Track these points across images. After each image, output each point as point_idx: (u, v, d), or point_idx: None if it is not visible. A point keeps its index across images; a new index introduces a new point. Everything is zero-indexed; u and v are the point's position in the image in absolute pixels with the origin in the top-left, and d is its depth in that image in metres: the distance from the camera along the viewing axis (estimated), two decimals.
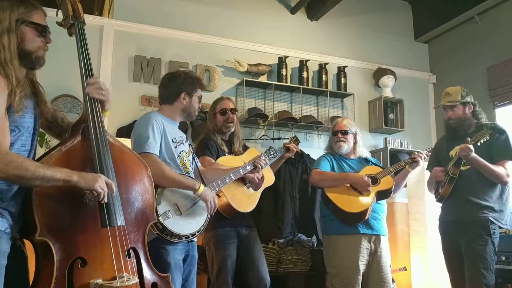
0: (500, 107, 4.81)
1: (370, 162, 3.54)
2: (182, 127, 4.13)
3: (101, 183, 1.70)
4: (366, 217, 3.22)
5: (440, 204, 3.35)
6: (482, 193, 3.12)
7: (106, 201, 1.73)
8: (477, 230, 3.06)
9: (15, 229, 1.70)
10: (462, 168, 3.14)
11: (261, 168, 3.03)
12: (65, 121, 2.03)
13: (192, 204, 2.52)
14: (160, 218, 2.35)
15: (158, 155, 2.50)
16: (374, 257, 3.27)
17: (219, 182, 2.77)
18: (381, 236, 3.31)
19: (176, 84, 2.71)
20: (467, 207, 3.12)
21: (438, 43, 5.67)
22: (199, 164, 2.86)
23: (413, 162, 3.47)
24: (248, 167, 2.97)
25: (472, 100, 3.29)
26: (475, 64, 5.05)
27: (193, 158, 2.79)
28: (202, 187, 2.51)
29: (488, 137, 3.05)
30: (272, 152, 3.27)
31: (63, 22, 1.99)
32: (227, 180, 2.83)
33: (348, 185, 3.29)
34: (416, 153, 3.54)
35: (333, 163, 3.45)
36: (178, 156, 2.61)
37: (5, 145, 1.60)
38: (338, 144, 3.48)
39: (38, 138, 3.48)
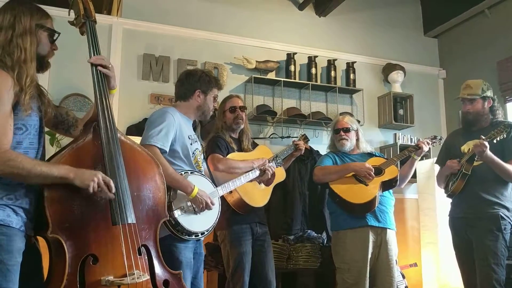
0: (511, 101, 4.76)
1: (374, 156, 3.55)
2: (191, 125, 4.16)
3: (97, 181, 1.70)
4: (374, 208, 3.22)
5: (450, 200, 3.34)
6: (493, 189, 3.11)
7: (104, 197, 1.74)
8: (487, 225, 3.04)
9: (29, 226, 1.73)
10: (474, 163, 3.12)
11: (270, 173, 3.04)
12: (70, 114, 2.07)
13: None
14: (175, 213, 2.34)
15: (165, 149, 2.45)
16: (381, 250, 3.27)
17: (230, 183, 2.78)
18: (387, 229, 3.31)
19: (192, 81, 2.70)
20: (478, 203, 3.11)
21: (448, 37, 5.63)
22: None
23: (418, 149, 3.44)
24: (257, 172, 2.99)
25: (492, 95, 3.27)
26: (485, 58, 5.01)
27: (204, 157, 2.80)
28: (195, 190, 2.41)
29: (505, 135, 3.03)
30: (278, 160, 3.26)
31: (75, 21, 2.04)
32: (237, 183, 2.85)
33: (352, 177, 3.29)
34: (419, 140, 3.53)
35: (336, 160, 3.45)
36: (193, 153, 2.61)
37: (4, 143, 1.64)
38: (341, 142, 3.48)
39: (49, 138, 3.56)
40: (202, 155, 2.76)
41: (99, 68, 1.94)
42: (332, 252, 3.42)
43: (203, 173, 2.65)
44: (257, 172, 2.99)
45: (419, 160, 3.60)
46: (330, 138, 3.67)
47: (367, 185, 3.26)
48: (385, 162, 3.40)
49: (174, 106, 2.76)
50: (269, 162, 3.07)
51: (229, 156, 3.14)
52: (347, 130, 3.49)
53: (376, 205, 3.23)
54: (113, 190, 1.75)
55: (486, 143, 2.97)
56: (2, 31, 1.77)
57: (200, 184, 2.48)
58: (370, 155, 3.54)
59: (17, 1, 1.83)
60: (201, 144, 2.80)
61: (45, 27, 1.85)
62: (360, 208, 3.24)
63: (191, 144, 2.61)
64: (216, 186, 2.66)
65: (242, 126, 3.36)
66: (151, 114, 2.64)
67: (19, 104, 1.70)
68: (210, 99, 2.73)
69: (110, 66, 1.98)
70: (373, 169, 3.25)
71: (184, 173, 2.48)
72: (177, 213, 2.36)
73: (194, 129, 4.23)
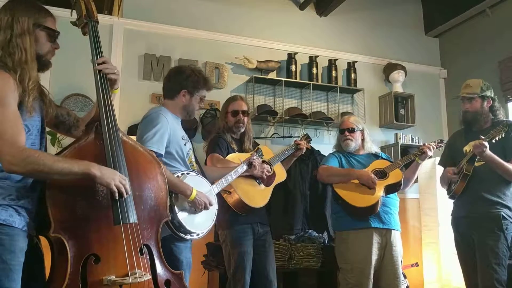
0: None
1: (380, 157, 3.54)
2: (192, 125, 4.17)
3: (117, 181, 1.72)
4: (376, 211, 3.22)
5: (452, 200, 3.34)
6: (495, 189, 3.11)
7: (117, 197, 1.74)
8: (489, 225, 3.04)
9: (31, 226, 1.73)
10: (476, 164, 3.11)
11: (257, 164, 3.05)
12: (71, 114, 2.07)
13: None
14: (179, 215, 2.35)
15: (161, 153, 2.44)
16: (386, 251, 3.27)
17: (223, 180, 2.81)
18: (392, 230, 3.31)
19: (179, 79, 2.64)
20: (480, 203, 3.11)
21: (449, 37, 5.62)
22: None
23: (422, 154, 3.43)
24: (245, 166, 2.99)
25: (492, 95, 3.26)
26: (487, 57, 5.00)
27: (195, 157, 2.79)
28: (194, 193, 2.43)
29: (503, 135, 3.02)
30: (260, 153, 3.25)
31: (77, 22, 2.04)
32: (229, 178, 2.86)
33: (357, 180, 3.29)
34: (425, 144, 3.53)
35: (342, 160, 3.46)
36: (187, 154, 2.61)
37: (21, 141, 1.63)
38: (345, 142, 3.49)
39: (50, 137, 3.57)
40: (194, 154, 2.75)
41: (110, 75, 1.93)
42: (335, 252, 3.43)
43: (197, 172, 2.65)
44: (245, 166, 2.99)
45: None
46: (337, 137, 3.70)
47: (370, 188, 3.26)
48: (389, 165, 3.39)
49: (162, 104, 2.70)
50: (253, 156, 3.08)
51: (228, 157, 3.15)
52: (352, 131, 3.49)
53: (379, 209, 3.23)
54: (129, 192, 1.76)
55: (486, 143, 2.97)
56: (1, 31, 1.75)
57: (197, 185, 2.49)
58: (376, 156, 3.53)
59: (16, 0, 1.82)
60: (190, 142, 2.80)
61: (42, 26, 1.82)
62: (362, 212, 3.24)
63: (184, 144, 2.60)
64: (210, 184, 2.68)
65: (242, 130, 3.36)
66: (145, 114, 2.61)
67: (22, 105, 1.70)
68: (196, 99, 2.66)
69: (116, 71, 1.97)
70: (376, 180, 3.24)
71: (181, 174, 2.48)
72: (180, 216, 2.36)
73: (195, 129, 4.28)
